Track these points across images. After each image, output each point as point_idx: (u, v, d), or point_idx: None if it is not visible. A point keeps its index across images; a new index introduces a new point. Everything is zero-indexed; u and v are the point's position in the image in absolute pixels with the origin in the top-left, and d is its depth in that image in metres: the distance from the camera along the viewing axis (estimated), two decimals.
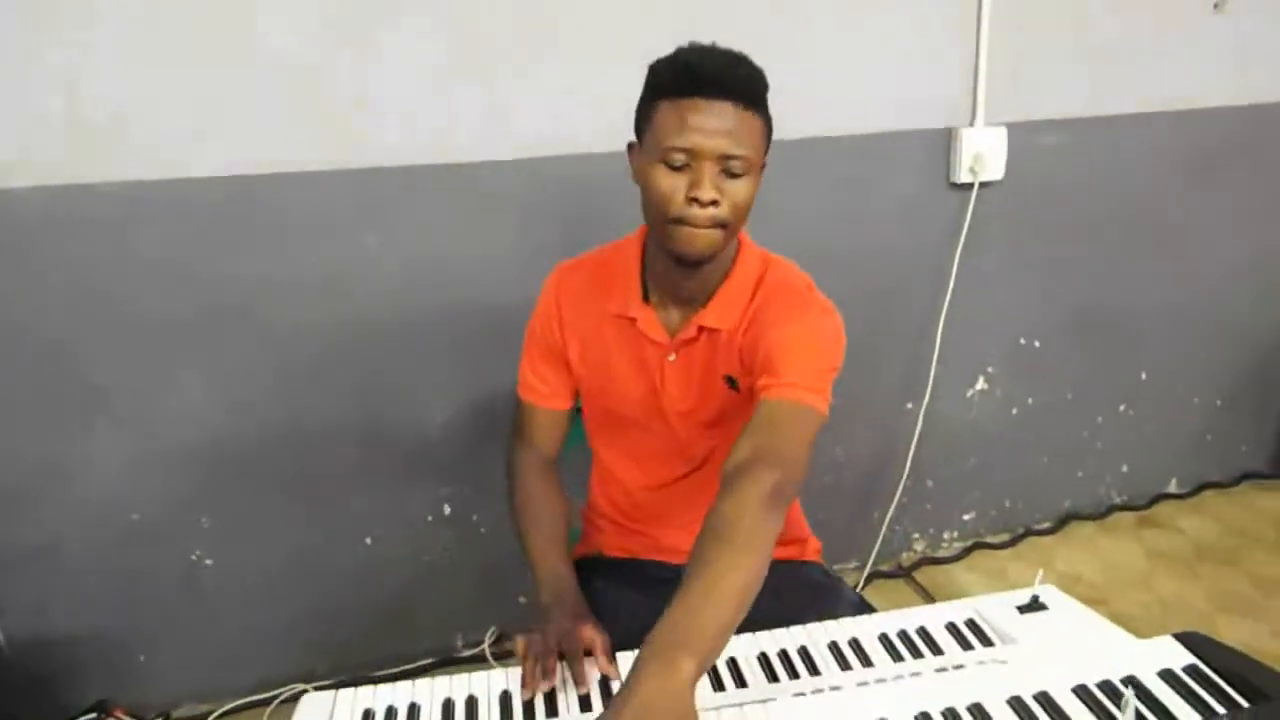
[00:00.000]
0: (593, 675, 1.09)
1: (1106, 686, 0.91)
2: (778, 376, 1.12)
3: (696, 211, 1.09)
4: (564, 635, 1.10)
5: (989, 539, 2.64)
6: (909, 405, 2.39)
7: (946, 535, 2.62)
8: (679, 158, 1.07)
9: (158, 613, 1.99)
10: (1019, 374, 2.50)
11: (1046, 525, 2.70)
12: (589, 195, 1.94)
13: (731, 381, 1.25)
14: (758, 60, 1.12)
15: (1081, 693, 0.90)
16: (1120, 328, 2.55)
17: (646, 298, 1.26)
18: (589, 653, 1.11)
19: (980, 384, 2.47)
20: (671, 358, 1.26)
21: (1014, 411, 2.54)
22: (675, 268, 1.18)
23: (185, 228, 1.78)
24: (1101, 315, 2.52)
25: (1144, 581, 2.44)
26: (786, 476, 1.02)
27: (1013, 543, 2.64)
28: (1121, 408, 2.66)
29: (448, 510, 2.12)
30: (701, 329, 1.23)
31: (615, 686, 1.05)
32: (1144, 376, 2.65)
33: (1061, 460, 2.66)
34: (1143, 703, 0.88)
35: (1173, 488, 2.83)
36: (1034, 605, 1.19)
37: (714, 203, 1.08)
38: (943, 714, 0.89)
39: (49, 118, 1.65)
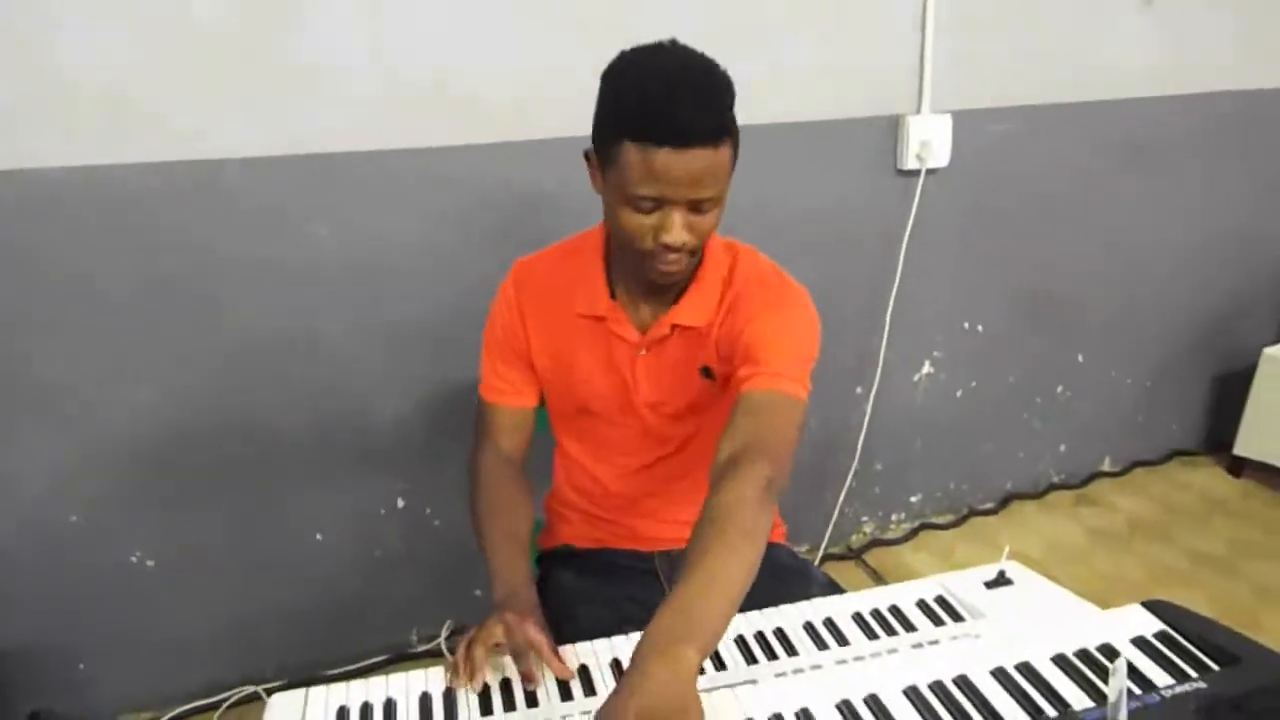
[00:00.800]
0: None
1: (1084, 655, 0.94)
2: (760, 366, 1.12)
3: (666, 253, 1.08)
4: (507, 631, 1.05)
5: (935, 520, 2.70)
6: (858, 390, 2.43)
7: (894, 517, 2.67)
8: (647, 204, 1.05)
9: (97, 618, 1.91)
10: (963, 358, 2.56)
11: (990, 505, 2.77)
12: (542, 183, 1.92)
13: (707, 372, 1.24)
14: (708, 51, 1.06)
15: (1061, 662, 0.93)
16: (1058, 312, 2.63)
17: (613, 295, 1.24)
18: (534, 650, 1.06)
19: (926, 368, 2.52)
20: (643, 353, 1.24)
21: (958, 394, 2.60)
22: (635, 269, 1.18)
23: (125, 216, 1.70)
24: (1040, 300, 2.59)
25: (1083, 558, 2.53)
26: (779, 468, 1.03)
27: (958, 523, 2.71)
28: (1059, 390, 2.74)
29: (401, 504, 2.08)
30: (675, 326, 1.22)
31: (574, 685, 1.03)
32: (1080, 359, 2.74)
33: (1003, 442, 2.73)
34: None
35: (1107, 466, 2.93)
36: (1000, 580, 1.22)
37: (684, 244, 1.07)
38: (930, 687, 0.90)
39: None
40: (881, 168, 2.27)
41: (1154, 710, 0.81)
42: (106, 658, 1.94)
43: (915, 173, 2.26)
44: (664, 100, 0.98)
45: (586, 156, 1.14)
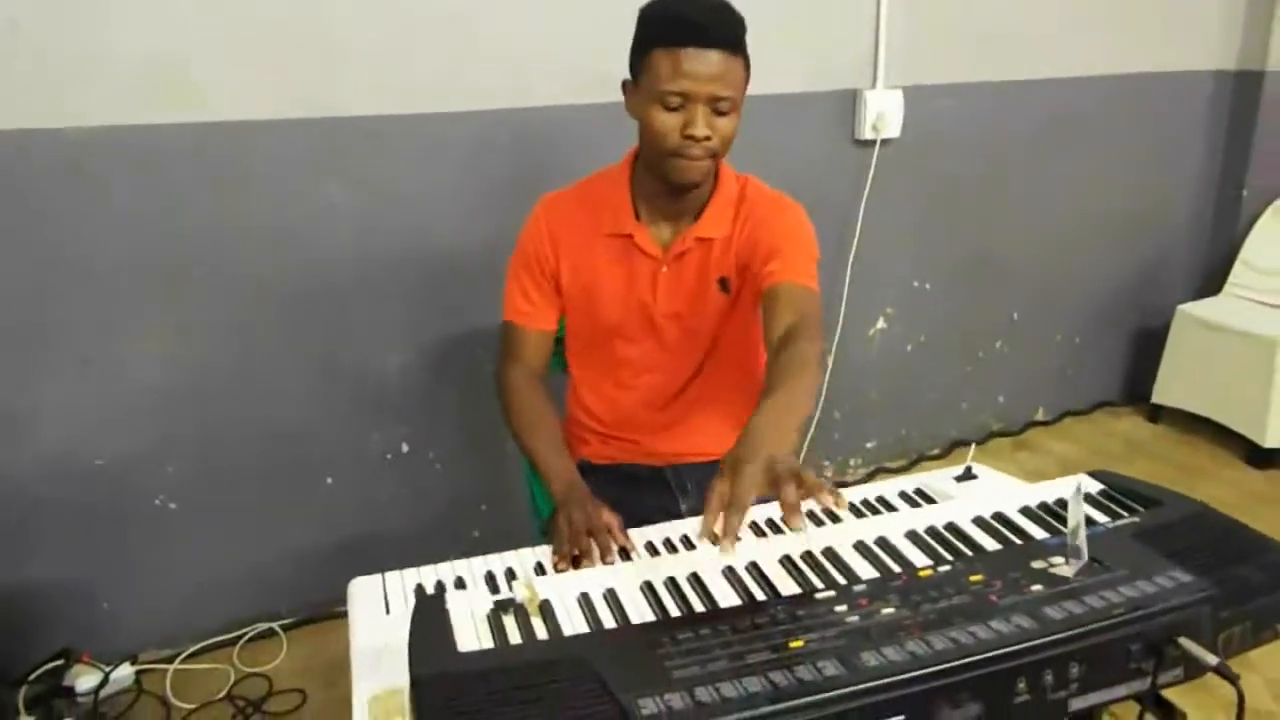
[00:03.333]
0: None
1: (1044, 506, 1.15)
2: (786, 263, 1.34)
3: (692, 146, 1.27)
4: (586, 519, 1.22)
5: (888, 464, 2.94)
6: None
7: (852, 462, 2.90)
8: (674, 100, 1.25)
9: (122, 559, 2.02)
10: (913, 315, 2.79)
11: (936, 451, 3.02)
12: (544, 146, 2.09)
13: (724, 284, 1.43)
14: None
15: (1026, 511, 1.14)
16: (997, 272, 2.89)
17: (638, 216, 1.42)
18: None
19: (880, 324, 2.75)
20: (664, 269, 1.42)
21: (908, 349, 2.84)
22: (668, 190, 1.36)
23: (145, 175, 1.82)
24: (982, 261, 2.84)
25: None
26: (822, 347, 1.27)
27: (909, 468, 2.95)
28: (998, 344, 3.01)
29: (405, 449, 2.23)
30: (698, 239, 1.41)
31: (634, 557, 1.21)
32: (1016, 316, 3.00)
33: (948, 393, 2.99)
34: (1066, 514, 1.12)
35: (1040, 415, 3.21)
36: (967, 475, 1.43)
37: (706, 137, 1.27)
38: (925, 531, 1.11)
39: (3, 61, 1.66)
40: (840, 138, 2.49)
41: (1100, 536, 1.02)
42: (130, 597, 2.05)
43: (871, 143, 2.48)
44: (686, 8, 1.23)
45: (624, 86, 1.35)
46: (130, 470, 1.97)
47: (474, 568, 1.24)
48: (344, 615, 2.19)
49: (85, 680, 1.92)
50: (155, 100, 1.78)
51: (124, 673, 1.98)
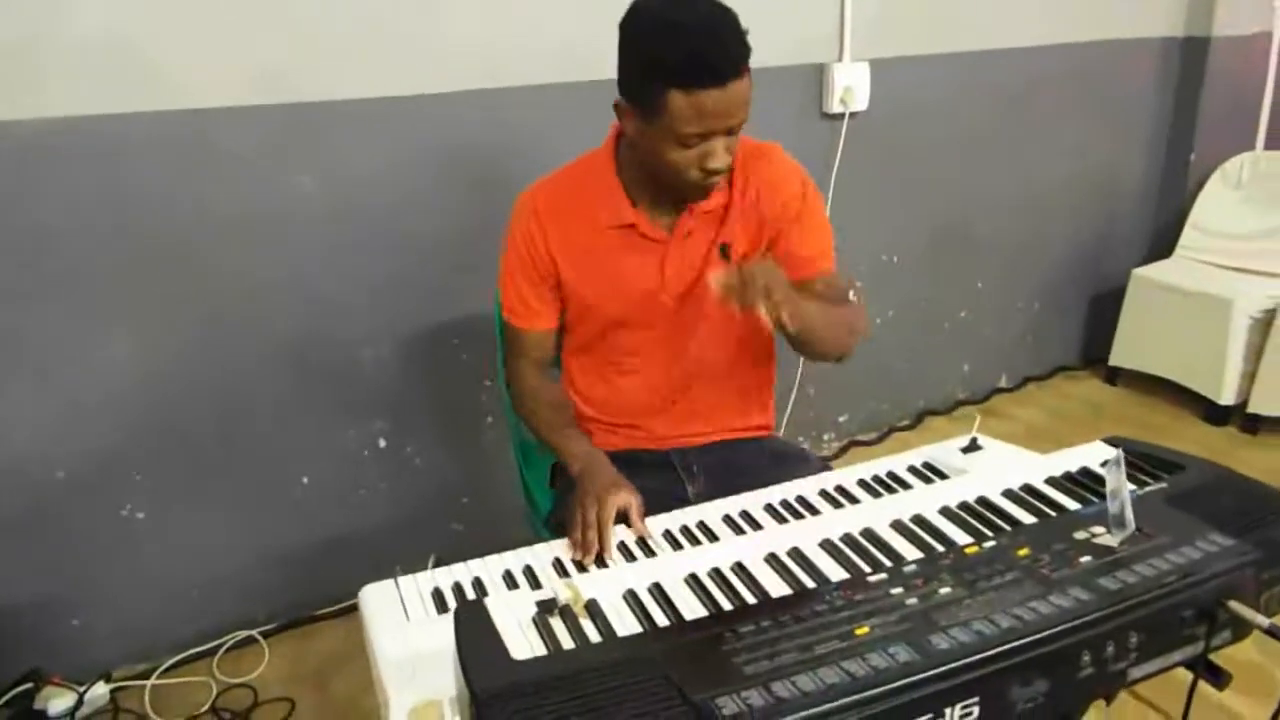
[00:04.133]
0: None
1: (1068, 476, 1.16)
2: (815, 251, 1.43)
3: (712, 176, 1.24)
4: (601, 504, 1.21)
5: (861, 437, 2.96)
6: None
7: (826, 436, 2.91)
8: (694, 140, 1.20)
9: (90, 572, 1.92)
10: (882, 288, 2.80)
11: (907, 422, 3.05)
12: (519, 129, 2.03)
13: (724, 251, 1.35)
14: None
15: (1052, 481, 1.14)
16: (962, 242, 2.91)
17: (635, 204, 1.38)
18: (625, 515, 1.23)
19: (850, 297, 2.75)
20: (671, 252, 1.39)
21: (878, 322, 2.85)
22: (649, 176, 1.33)
23: (105, 168, 1.72)
24: (947, 232, 2.86)
25: None
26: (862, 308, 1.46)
27: (880, 440, 2.97)
28: (962, 314, 3.04)
29: (382, 444, 2.16)
30: (704, 213, 1.38)
31: (653, 544, 1.18)
32: (979, 285, 3.04)
33: (916, 363, 3.01)
34: (1096, 483, 1.12)
35: (1003, 382, 3.26)
36: (973, 447, 1.44)
37: (727, 166, 1.24)
38: (959, 507, 1.10)
39: None
40: (809, 112, 2.48)
41: (1134, 504, 1.02)
42: (100, 612, 1.95)
43: (840, 116, 2.47)
44: (705, 47, 1.13)
45: (617, 107, 1.28)
46: (94, 480, 1.87)
47: (489, 567, 1.19)
48: (326, 618, 2.14)
49: (58, 703, 1.83)
50: (113, 88, 1.67)
51: (99, 692, 1.89)
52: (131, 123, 1.70)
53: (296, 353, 2.00)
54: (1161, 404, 3.08)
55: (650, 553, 1.15)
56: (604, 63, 2.12)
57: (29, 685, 1.84)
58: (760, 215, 1.41)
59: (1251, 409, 2.83)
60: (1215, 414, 2.90)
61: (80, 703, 1.84)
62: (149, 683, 1.95)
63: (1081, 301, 3.34)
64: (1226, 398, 2.86)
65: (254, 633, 2.10)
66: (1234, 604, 0.89)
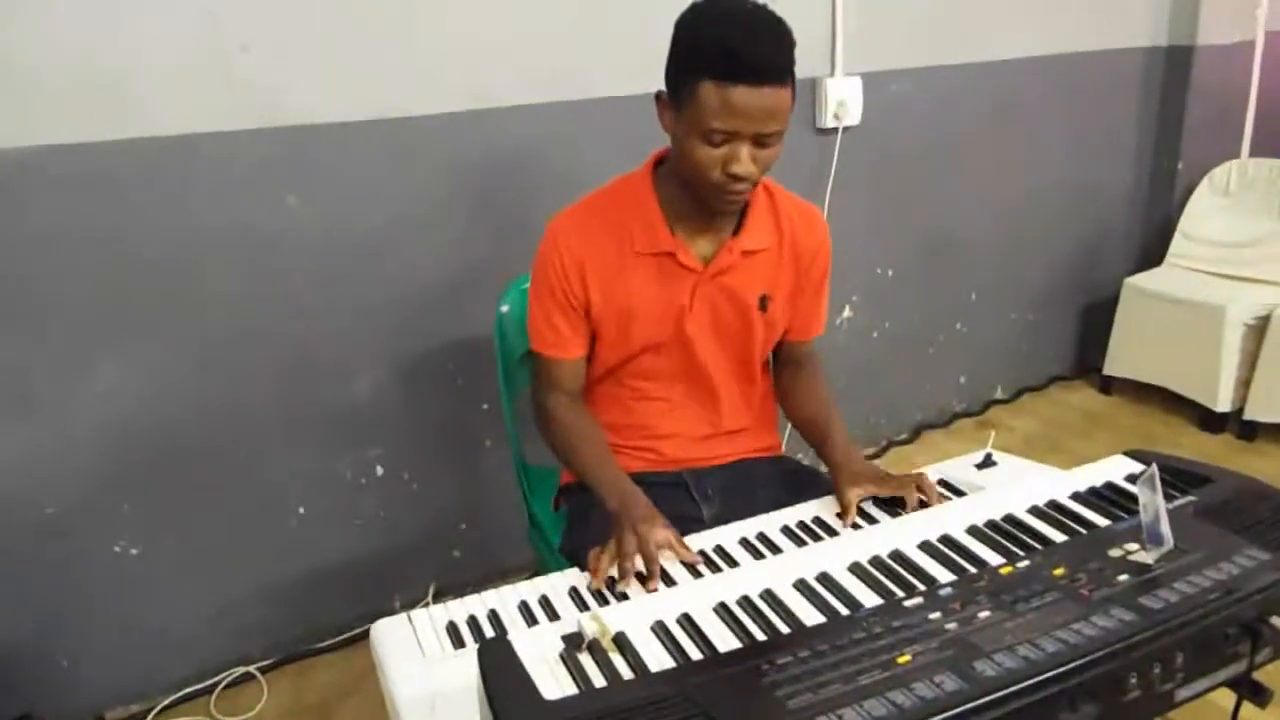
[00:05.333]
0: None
1: (1093, 491, 1.14)
2: (816, 316, 1.53)
3: (734, 182, 1.21)
4: (644, 540, 1.16)
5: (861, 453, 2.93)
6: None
7: None
8: (719, 137, 1.18)
9: (80, 611, 1.87)
10: (878, 302, 2.80)
11: (904, 436, 3.03)
12: (510, 150, 2.00)
13: (763, 303, 1.39)
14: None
15: (1078, 497, 1.12)
16: (955, 254, 2.91)
17: (673, 232, 1.35)
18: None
19: (847, 312, 2.75)
20: (705, 285, 1.37)
21: (874, 335, 2.84)
22: (689, 199, 1.31)
23: (91, 196, 1.68)
24: (940, 244, 2.86)
25: None
26: None
27: (879, 454, 2.96)
28: (958, 326, 3.03)
29: (380, 471, 2.12)
30: (744, 253, 1.36)
31: (702, 569, 1.16)
32: (973, 297, 3.03)
33: (912, 377, 3.00)
34: (1122, 498, 1.10)
35: (1000, 394, 3.25)
36: (987, 462, 1.42)
37: (750, 175, 1.21)
38: (986, 525, 1.08)
39: None
40: (802, 127, 2.47)
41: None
42: (92, 652, 1.90)
43: (833, 131, 2.47)
44: (741, 42, 1.12)
45: (658, 97, 1.26)
46: (85, 516, 1.82)
47: (505, 599, 1.16)
48: (325, 651, 2.09)
49: None
50: (97, 116, 1.64)
51: None
52: (116, 150, 1.66)
53: (289, 380, 1.96)
54: (1157, 412, 3.08)
55: (670, 581, 1.12)
56: (594, 82, 2.12)
57: None
58: (797, 269, 1.43)
59: (1248, 415, 2.84)
60: (1211, 421, 2.90)
61: None
62: None
63: (1074, 311, 3.34)
64: (1222, 405, 2.86)
65: (251, 669, 2.04)
66: (1277, 620, 0.87)
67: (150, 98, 1.68)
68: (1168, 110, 3.15)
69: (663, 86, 1.25)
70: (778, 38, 1.16)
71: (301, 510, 2.06)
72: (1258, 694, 0.93)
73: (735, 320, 1.41)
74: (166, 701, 1.97)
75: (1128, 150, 3.21)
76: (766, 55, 1.14)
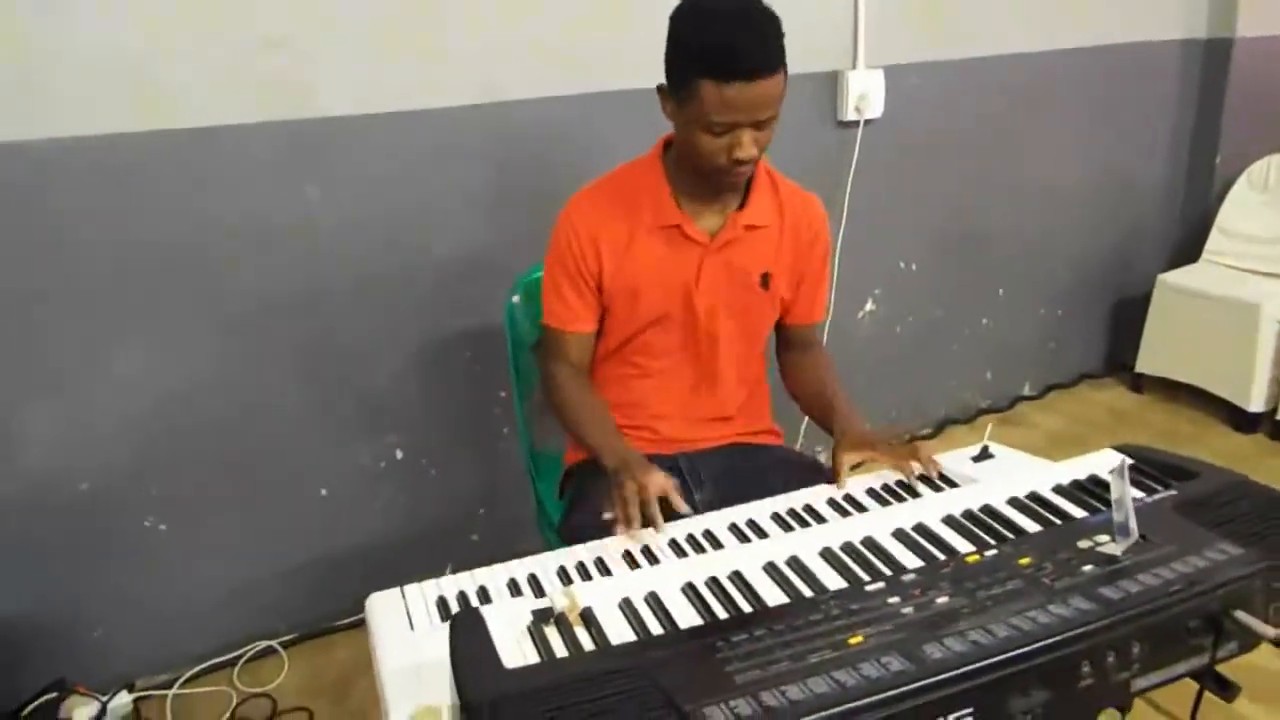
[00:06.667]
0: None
1: (1076, 484, 1.14)
2: (816, 301, 1.58)
3: (738, 166, 1.29)
4: (643, 486, 1.21)
5: None
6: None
7: None
8: (720, 128, 1.26)
9: (112, 583, 1.95)
10: (901, 296, 2.79)
11: (928, 431, 3.02)
12: (528, 143, 2.04)
13: (765, 280, 1.45)
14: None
15: (1060, 490, 1.13)
16: (981, 249, 2.89)
17: (680, 207, 1.42)
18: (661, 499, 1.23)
19: (869, 305, 2.74)
20: (710, 257, 1.43)
21: (897, 329, 2.83)
22: (695, 175, 1.37)
23: (117, 186, 1.75)
24: (966, 239, 2.84)
25: None
26: None
27: None
28: (983, 321, 3.01)
29: (399, 456, 2.18)
30: (747, 227, 1.42)
31: (657, 552, 1.18)
32: (1001, 292, 3.01)
33: (936, 371, 2.98)
34: (1104, 491, 1.11)
35: (1027, 390, 3.22)
36: (984, 455, 1.43)
37: (752, 158, 1.29)
38: (962, 515, 1.09)
39: None
40: (824, 120, 2.47)
41: (1142, 511, 1.01)
42: (122, 623, 1.98)
43: (854, 124, 2.46)
44: (735, 41, 1.20)
45: (660, 90, 1.34)
46: (116, 493, 1.90)
47: (495, 576, 1.20)
48: (345, 629, 2.15)
49: (82, 711, 1.84)
50: (123, 108, 1.71)
51: (121, 701, 1.90)
52: (141, 141, 1.73)
53: (310, 366, 2.02)
54: (1187, 411, 3.03)
55: (654, 560, 1.15)
56: (607, 76, 2.15)
57: (54, 694, 1.87)
58: (796, 252, 1.50)
59: None
60: (1243, 421, 2.85)
61: (104, 711, 1.86)
62: (170, 692, 1.98)
63: (1106, 308, 3.30)
64: (1255, 404, 2.80)
65: (274, 643, 2.12)
66: (1240, 614, 0.87)
67: (176, 91, 1.74)
68: (1206, 104, 3.09)
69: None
70: (768, 33, 1.23)
71: (323, 492, 2.12)
72: (1223, 688, 0.93)
73: (740, 294, 1.46)
74: (192, 672, 2.04)
75: (1163, 145, 3.15)
76: (759, 52, 1.21)
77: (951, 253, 2.83)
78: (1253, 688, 1.95)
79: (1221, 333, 2.86)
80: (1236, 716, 1.78)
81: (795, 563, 1.01)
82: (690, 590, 0.97)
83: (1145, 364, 3.14)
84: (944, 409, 3.06)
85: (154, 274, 1.83)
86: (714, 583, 0.99)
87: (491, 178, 2.05)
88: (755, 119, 1.25)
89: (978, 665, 0.77)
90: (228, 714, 1.94)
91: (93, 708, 1.85)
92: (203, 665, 2.06)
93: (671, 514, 1.23)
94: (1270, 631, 0.86)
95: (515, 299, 1.73)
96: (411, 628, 1.09)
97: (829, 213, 2.47)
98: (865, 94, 2.42)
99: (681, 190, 1.42)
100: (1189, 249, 3.21)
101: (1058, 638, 0.80)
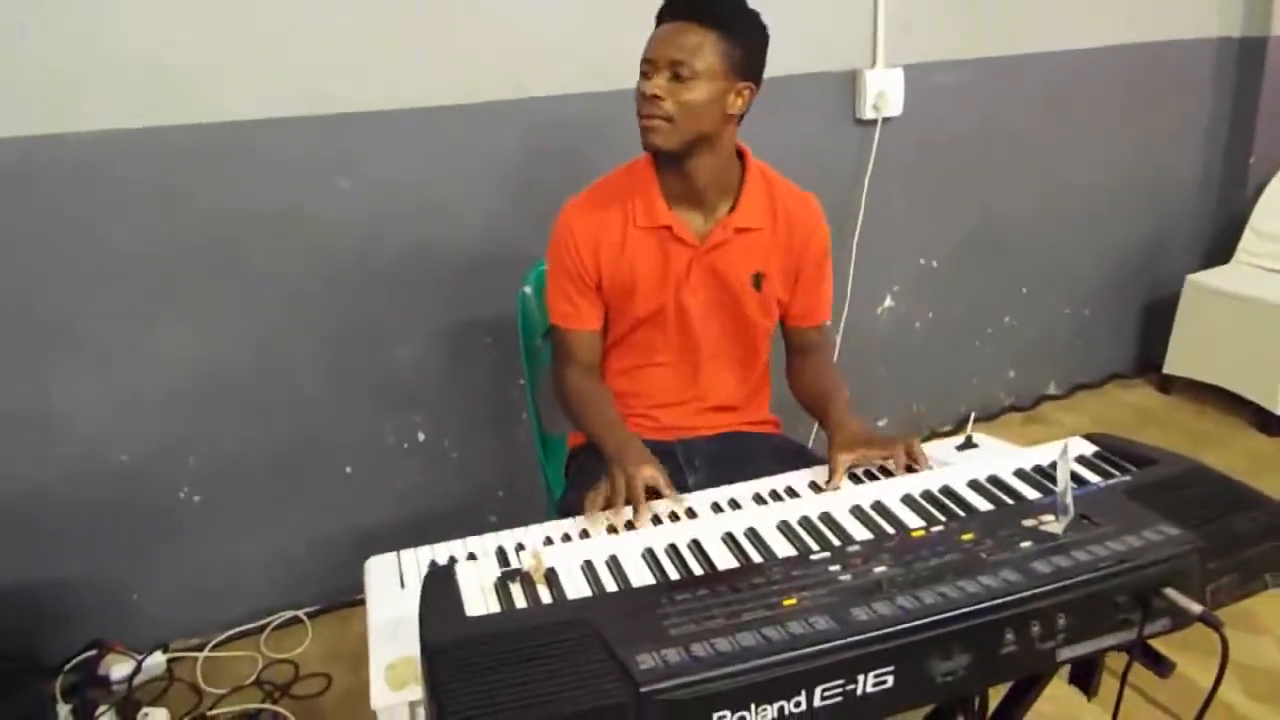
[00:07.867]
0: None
1: (1038, 469, 1.18)
2: (819, 300, 1.61)
3: (645, 105, 1.35)
4: (631, 478, 1.25)
5: None
6: (827, 323, 2.67)
7: None
8: (645, 67, 1.36)
9: (149, 551, 2.08)
10: (921, 292, 2.81)
11: (948, 428, 3.03)
12: (548, 138, 2.12)
13: (757, 281, 1.48)
14: None
15: (1020, 474, 1.17)
16: (1003, 246, 2.89)
17: (670, 208, 1.47)
18: (654, 491, 1.28)
19: (888, 301, 2.77)
20: (700, 259, 1.47)
21: (917, 325, 2.85)
22: (689, 177, 1.42)
23: (154, 177, 1.87)
24: (987, 235, 2.85)
25: None
26: None
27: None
28: (1007, 319, 3.01)
29: (421, 437, 2.27)
30: (738, 230, 1.46)
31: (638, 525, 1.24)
32: (1024, 290, 3.01)
33: (958, 368, 3.00)
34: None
35: (1052, 389, 3.21)
36: (968, 444, 1.46)
37: (654, 96, 1.33)
38: (921, 495, 1.14)
39: (12, 68, 1.71)
40: (842, 118, 2.51)
41: (1094, 494, 1.05)
42: (158, 588, 2.11)
43: (873, 122, 2.50)
44: None
45: None
46: (154, 465, 2.03)
47: (485, 543, 1.28)
48: (364, 603, 2.24)
49: (119, 669, 1.98)
50: (159, 103, 1.82)
51: (156, 660, 2.04)
52: (177, 134, 1.85)
53: (339, 349, 2.13)
54: (1214, 413, 3.00)
55: (631, 527, 1.21)
56: (629, 73, 2.20)
57: (93, 652, 2.00)
58: (790, 252, 1.52)
59: None
60: (1270, 423, 2.81)
61: (139, 669, 1.99)
62: (201, 654, 2.10)
63: (1137, 308, 3.28)
64: None
65: (299, 613, 2.23)
66: (1170, 591, 0.91)
67: (214, 87, 1.85)
68: (1240, 103, 3.05)
69: None
70: None
71: (349, 470, 2.22)
72: (1159, 664, 0.97)
73: (730, 295, 1.50)
74: (222, 637, 2.16)
75: (1195, 144, 3.12)
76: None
77: (973, 250, 2.84)
78: (1253, 687, 1.96)
79: (1251, 334, 2.83)
80: (1237, 716, 1.79)
81: (752, 533, 1.07)
82: (649, 555, 1.04)
83: (1173, 365, 3.11)
84: (965, 406, 3.06)
85: (194, 260, 1.94)
86: (673, 549, 1.05)
87: (516, 171, 2.13)
88: (666, 57, 1.33)
89: (899, 628, 0.82)
90: (254, 676, 2.05)
91: (129, 666, 1.99)
92: (232, 631, 2.18)
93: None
94: (1196, 608, 0.89)
95: (526, 289, 1.80)
96: (402, 586, 1.17)
97: (847, 210, 2.53)
98: (884, 92, 2.45)
99: (672, 193, 1.46)
100: (1222, 249, 3.17)
101: (979, 605, 0.85)
